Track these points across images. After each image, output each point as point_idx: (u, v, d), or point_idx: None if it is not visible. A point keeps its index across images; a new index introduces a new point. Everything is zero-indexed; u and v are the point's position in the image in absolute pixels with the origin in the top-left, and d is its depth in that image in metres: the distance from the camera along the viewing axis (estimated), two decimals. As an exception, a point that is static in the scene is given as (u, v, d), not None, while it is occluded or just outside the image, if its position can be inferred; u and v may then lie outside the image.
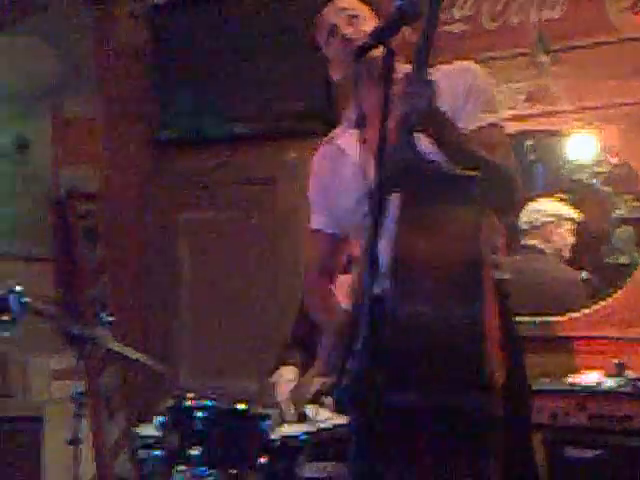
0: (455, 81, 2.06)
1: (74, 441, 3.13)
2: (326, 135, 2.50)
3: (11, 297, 2.17)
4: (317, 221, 2.38)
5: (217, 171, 4.76)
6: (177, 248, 4.95)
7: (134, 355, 3.25)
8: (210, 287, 4.81)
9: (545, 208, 4.11)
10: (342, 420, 2.55)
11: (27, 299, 2.19)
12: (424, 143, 1.76)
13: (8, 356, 4.53)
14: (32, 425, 4.12)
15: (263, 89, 4.66)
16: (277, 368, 3.30)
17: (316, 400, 2.90)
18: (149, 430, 2.92)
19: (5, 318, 2.13)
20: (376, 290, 1.46)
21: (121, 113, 4.96)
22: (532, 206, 4.11)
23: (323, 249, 2.39)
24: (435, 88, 1.72)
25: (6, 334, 2.17)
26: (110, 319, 3.21)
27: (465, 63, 2.21)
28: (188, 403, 2.82)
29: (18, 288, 2.20)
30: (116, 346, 3.19)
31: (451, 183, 1.69)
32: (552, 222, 4.09)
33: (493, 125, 2.08)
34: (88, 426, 4.22)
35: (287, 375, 3.20)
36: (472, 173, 1.68)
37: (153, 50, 4.92)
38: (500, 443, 1.53)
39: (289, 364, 3.29)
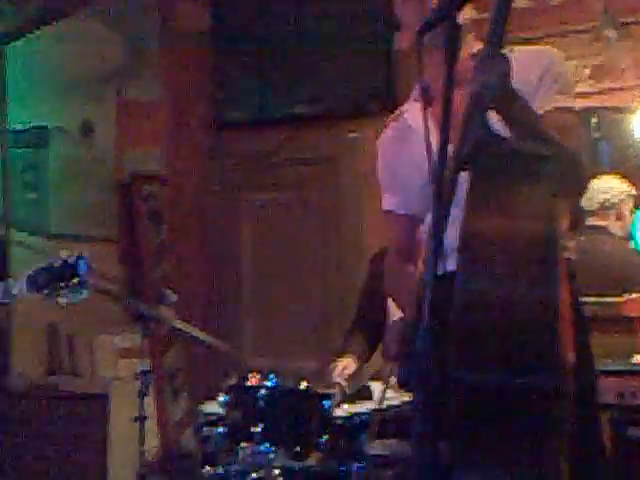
0: (530, 64, 2.01)
1: (139, 418, 3.19)
2: (387, 115, 2.47)
3: (80, 263, 2.21)
4: (388, 202, 2.33)
5: (279, 152, 4.77)
6: (240, 228, 4.99)
7: (197, 334, 3.29)
8: (272, 267, 4.84)
9: (613, 187, 4.01)
10: (406, 398, 2.56)
11: (93, 266, 2.24)
12: (495, 121, 1.73)
13: (75, 335, 4.62)
14: (99, 402, 4.20)
15: (325, 69, 4.66)
16: (339, 356, 3.32)
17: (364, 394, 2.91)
18: (213, 408, 2.97)
19: (74, 282, 2.18)
20: (442, 270, 1.45)
21: (184, 95, 5.01)
22: (598, 185, 4.02)
23: (397, 230, 2.33)
24: (509, 65, 1.69)
25: (75, 300, 2.23)
26: (174, 299, 3.26)
27: (542, 47, 2.16)
28: (251, 382, 2.85)
29: (85, 255, 2.26)
30: (180, 325, 3.24)
31: (524, 162, 1.66)
32: (622, 201, 3.99)
33: (567, 109, 2.03)
34: (153, 403, 4.28)
35: (347, 364, 3.21)
36: (546, 152, 1.65)
37: (215, 32, 4.95)
38: (569, 423, 1.51)
39: (350, 352, 3.31)
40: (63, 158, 4.82)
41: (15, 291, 2.30)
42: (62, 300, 2.26)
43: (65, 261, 2.22)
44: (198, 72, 4.99)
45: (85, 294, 2.24)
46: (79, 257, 2.24)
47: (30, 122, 4.69)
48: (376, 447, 2.61)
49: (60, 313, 4.51)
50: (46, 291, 2.24)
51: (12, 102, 4.55)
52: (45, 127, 4.74)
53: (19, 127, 4.64)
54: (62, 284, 2.22)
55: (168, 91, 5.00)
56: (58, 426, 4.18)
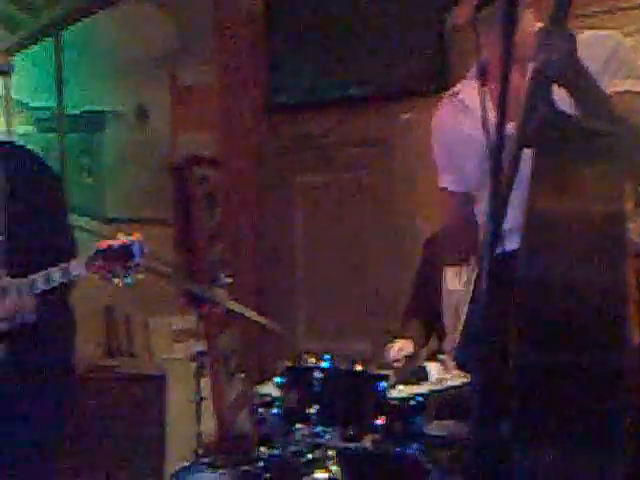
0: (595, 49, 1.98)
1: (196, 399, 3.23)
2: (440, 95, 2.46)
3: (135, 245, 2.28)
4: (444, 180, 2.36)
5: (332, 134, 4.76)
6: (292, 211, 5.00)
7: (252, 316, 3.31)
8: (325, 250, 4.84)
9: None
10: (464, 379, 2.55)
11: (148, 249, 2.30)
12: (560, 98, 1.70)
13: (132, 317, 4.68)
14: (156, 383, 4.25)
15: (377, 50, 4.63)
16: (394, 339, 3.31)
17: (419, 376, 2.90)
18: (268, 389, 2.98)
19: (130, 264, 2.25)
20: (501, 250, 1.43)
21: (237, 78, 5.02)
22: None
23: (452, 208, 2.36)
24: (575, 42, 1.65)
25: (131, 281, 2.28)
26: (228, 281, 3.28)
27: (607, 31, 2.12)
28: (306, 363, 2.87)
29: (140, 237, 2.31)
30: (234, 306, 3.26)
31: (591, 140, 1.63)
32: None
33: (634, 93, 1.98)
34: (209, 385, 4.32)
35: (403, 346, 3.21)
36: (613, 130, 1.62)
37: (267, 15, 4.95)
38: (633, 404, 1.49)
39: (406, 337, 3.30)
40: (118, 142, 4.87)
41: (74, 273, 2.35)
42: (118, 281, 2.30)
43: (121, 244, 2.27)
44: (251, 55, 5.00)
45: (140, 276, 2.27)
46: (135, 240, 2.28)
47: (86, 107, 4.74)
48: (434, 428, 2.61)
49: (117, 296, 4.58)
50: (103, 273, 2.28)
51: (68, 87, 4.60)
52: (101, 111, 4.79)
53: (75, 112, 4.70)
54: (118, 266, 2.26)
55: (221, 74, 5.01)
56: (117, 407, 4.25)
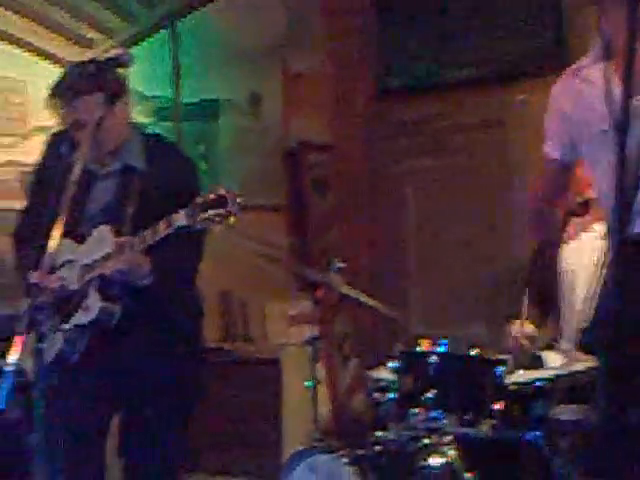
0: None
1: (312, 383, 3.25)
2: (557, 76, 2.44)
3: (229, 195, 2.47)
4: (550, 148, 2.36)
5: (445, 117, 4.71)
6: (404, 195, 4.97)
7: (366, 300, 3.31)
8: (437, 233, 4.80)
9: None
10: (589, 364, 2.49)
11: (242, 199, 2.51)
12: None
13: (248, 302, 4.75)
14: (272, 367, 4.31)
15: (489, 30, 4.54)
16: (511, 320, 3.25)
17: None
18: (383, 374, 2.98)
19: (223, 212, 2.45)
20: (629, 231, 1.38)
21: (348, 63, 5.01)
22: None
23: (552, 177, 2.38)
24: None
25: (224, 226, 2.48)
26: (341, 265, 3.29)
27: None
28: (422, 348, 2.85)
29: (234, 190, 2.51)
30: (348, 291, 3.27)
31: None
32: None
33: None
34: (323, 369, 4.35)
35: (522, 328, 3.14)
36: None
37: (377, -1, 4.93)
38: None
39: (523, 318, 3.23)
40: (232, 129, 4.95)
41: (177, 224, 2.51)
42: (209, 225, 2.49)
43: (217, 195, 2.46)
44: (361, 39, 4.98)
45: (232, 222, 2.46)
46: (228, 191, 2.48)
47: (201, 96, 4.83)
48: (558, 413, 2.55)
49: (233, 281, 4.67)
50: (202, 222, 2.48)
51: (184, 76, 4.70)
52: (216, 100, 4.88)
53: (191, 101, 4.80)
54: (212, 214, 2.45)
55: (332, 60, 5.01)
56: (233, 390, 4.33)
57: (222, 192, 2.46)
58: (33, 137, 4.21)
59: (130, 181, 2.75)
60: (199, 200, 2.46)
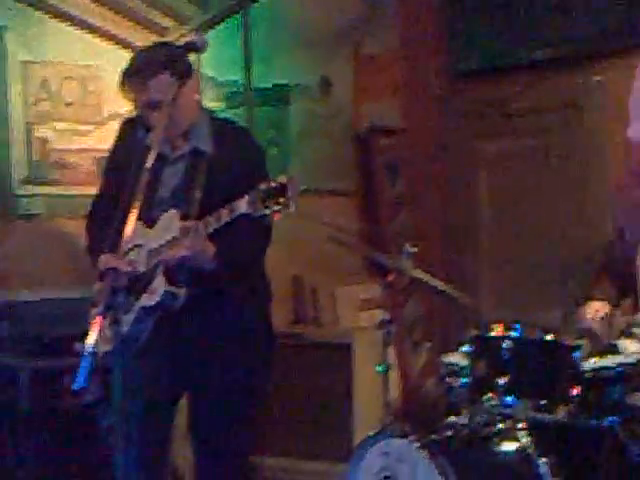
0: None
1: (383, 367, 3.23)
2: (634, 55, 2.38)
3: (290, 183, 2.46)
4: (634, 129, 2.30)
5: (519, 98, 4.64)
6: (477, 178, 4.92)
7: (438, 285, 3.28)
8: (511, 217, 4.74)
9: None
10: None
11: (303, 187, 2.52)
12: None
13: (319, 287, 4.76)
14: (342, 351, 4.31)
15: (563, 11, 4.46)
16: (585, 301, 3.18)
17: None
18: (455, 358, 2.96)
19: (283, 201, 2.45)
20: None
21: (420, 46, 4.97)
22: None
23: (636, 159, 2.32)
24: None
25: (284, 214, 2.47)
26: (413, 250, 3.26)
27: None
28: (495, 333, 2.82)
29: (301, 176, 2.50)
30: (420, 275, 3.24)
31: None
32: None
33: None
34: (394, 353, 4.34)
35: (599, 307, 3.07)
36: None
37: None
38: None
39: (599, 299, 3.16)
40: (303, 114, 4.94)
41: (239, 211, 2.53)
42: (268, 212, 2.48)
43: (278, 183, 2.47)
44: (433, 21, 4.94)
45: (292, 209, 2.45)
46: (289, 179, 2.48)
47: (272, 80, 4.84)
48: (635, 399, 2.50)
49: (304, 266, 4.68)
50: (259, 207, 2.48)
51: (255, 61, 4.71)
52: (286, 85, 4.88)
53: (262, 86, 4.80)
54: (276, 202, 2.46)
55: (404, 42, 4.97)
56: (304, 374, 4.34)
57: (284, 180, 2.46)
58: (108, 124, 4.28)
59: (198, 165, 2.78)
60: (261, 187, 2.47)
